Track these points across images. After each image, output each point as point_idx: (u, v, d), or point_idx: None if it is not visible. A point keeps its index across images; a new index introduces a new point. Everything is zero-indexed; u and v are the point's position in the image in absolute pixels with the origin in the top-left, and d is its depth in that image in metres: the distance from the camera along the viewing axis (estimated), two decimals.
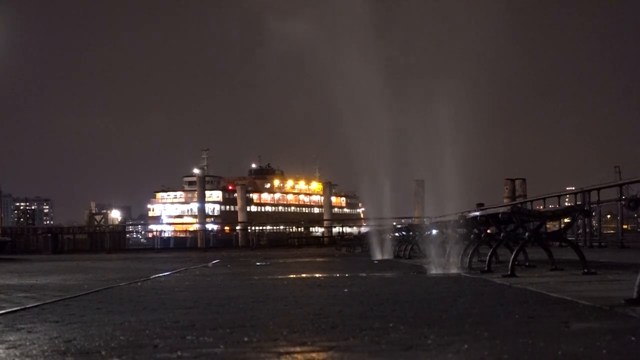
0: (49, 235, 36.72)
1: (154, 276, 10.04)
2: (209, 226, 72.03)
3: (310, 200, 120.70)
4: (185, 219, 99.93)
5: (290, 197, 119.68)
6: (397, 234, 18.65)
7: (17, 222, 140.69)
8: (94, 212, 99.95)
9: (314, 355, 3.04)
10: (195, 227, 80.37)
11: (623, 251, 14.60)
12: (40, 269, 13.81)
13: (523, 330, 3.48)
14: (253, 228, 54.35)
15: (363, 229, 39.09)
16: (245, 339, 3.48)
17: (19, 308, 5.35)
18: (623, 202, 15.57)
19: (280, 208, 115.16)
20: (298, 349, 3.17)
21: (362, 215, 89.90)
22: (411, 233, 16.00)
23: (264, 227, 63.55)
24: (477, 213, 12.36)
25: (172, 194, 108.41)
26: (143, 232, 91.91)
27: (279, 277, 9.37)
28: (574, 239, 15.69)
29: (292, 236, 51.13)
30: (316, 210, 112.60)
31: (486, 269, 8.29)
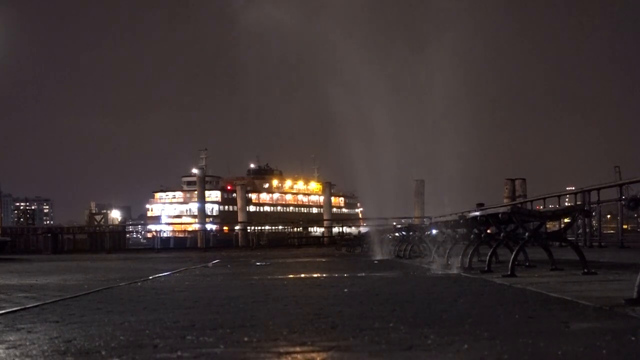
0: (49, 235, 36.67)
1: (154, 276, 10.04)
2: (208, 226, 71.99)
3: (308, 200, 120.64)
4: (184, 219, 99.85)
5: (288, 197, 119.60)
6: (397, 234, 18.66)
7: (17, 222, 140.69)
8: (94, 212, 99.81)
9: (314, 355, 3.04)
10: (194, 227, 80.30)
11: (623, 251, 14.60)
12: (40, 269, 13.81)
13: (523, 330, 3.48)
14: (253, 228, 54.31)
15: (363, 229, 39.10)
16: (245, 339, 3.48)
17: (19, 308, 5.34)
18: (623, 202, 15.56)
19: (278, 208, 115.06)
20: (298, 349, 3.17)
21: (360, 215, 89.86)
22: (411, 233, 16.00)
23: (263, 227, 63.50)
24: (477, 213, 12.36)
25: (170, 194, 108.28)
26: (143, 232, 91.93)
27: (279, 277, 9.37)
28: (574, 239, 15.69)
29: (292, 236, 51.09)
30: (314, 210, 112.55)
31: (486, 269, 8.29)
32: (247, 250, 34.50)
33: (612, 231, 20.88)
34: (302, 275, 9.76)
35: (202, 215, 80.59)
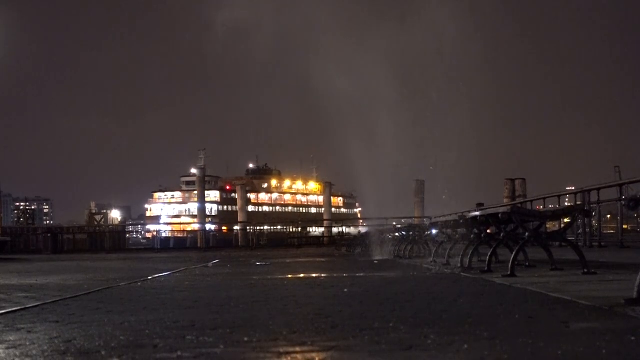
0: (49, 235, 36.67)
1: (153, 276, 10.04)
2: (207, 226, 71.96)
3: (307, 200, 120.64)
4: (183, 219, 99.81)
5: (287, 197, 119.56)
6: (397, 234, 18.66)
7: (17, 222, 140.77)
8: (94, 212, 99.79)
9: (314, 355, 3.04)
10: (194, 227, 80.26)
11: (623, 251, 14.60)
12: (40, 269, 13.81)
13: (523, 330, 3.48)
14: (253, 228, 54.31)
15: (363, 229, 39.09)
16: (245, 339, 3.48)
17: (19, 308, 5.34)
18: (623, 202, 15.56)
19: (277, 208, 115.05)
20: (298, 349, 3.17)
21: (359, 215, 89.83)
22: (411, 233, 16.01)
23: (263, 227, 63.46)
24: (477, 213, 12.35)
25: (169, 194, 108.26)
26: (143, 232, 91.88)
27: (279, 277, 9.37)
28: (574, 239, 15.69)
29: (292, 236, 51.08)
30: (313, 210, 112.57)
31: (486, 269, 8.29)
32: (247, 251, 34.49)
33: (612, 231, 20.86)
34: (302, 275, 9.76)
35: (202, 215, 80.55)
